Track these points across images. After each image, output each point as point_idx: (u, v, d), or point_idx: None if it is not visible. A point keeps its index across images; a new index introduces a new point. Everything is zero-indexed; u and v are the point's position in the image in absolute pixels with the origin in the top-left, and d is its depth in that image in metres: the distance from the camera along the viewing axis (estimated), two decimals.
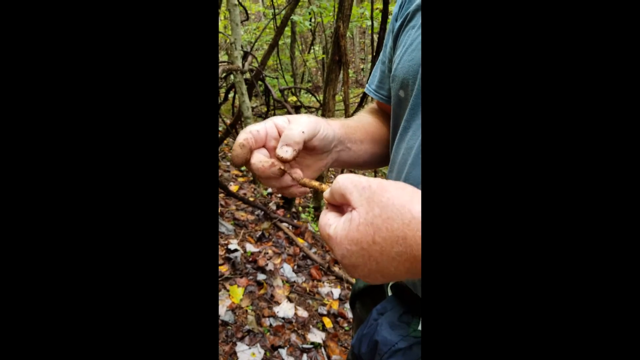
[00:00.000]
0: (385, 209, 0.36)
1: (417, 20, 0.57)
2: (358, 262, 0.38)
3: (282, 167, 0.48)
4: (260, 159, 0.48)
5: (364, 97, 2.99)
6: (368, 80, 0.75)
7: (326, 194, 0.41)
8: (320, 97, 3.51)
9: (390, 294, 0.68)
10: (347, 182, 0.38)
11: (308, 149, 0.52)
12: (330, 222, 0.39)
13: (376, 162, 0.69)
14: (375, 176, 3.85)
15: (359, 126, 0.64)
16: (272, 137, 0.50)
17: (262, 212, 2.60)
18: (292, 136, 0.47)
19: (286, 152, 0.47)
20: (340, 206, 0.41)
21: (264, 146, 0.50)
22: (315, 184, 0.49)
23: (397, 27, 0.62)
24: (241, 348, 1.61)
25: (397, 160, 0.57)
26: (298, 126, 0.48)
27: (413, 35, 0.56)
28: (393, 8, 0.66)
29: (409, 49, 0.56)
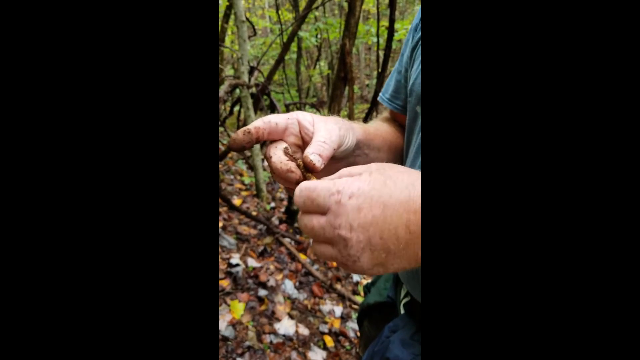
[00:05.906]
0: (392, 168, 0.40)
1: None
2: (364, 205, 0.37)
3: (302, 175, 0.46)
4: (281, 159, 0.46)
5: (369, 114, 3.01)
6: (375, 91, 0.76)
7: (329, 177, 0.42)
8: (325, 113, 3.52)
9: (403, 311, 0.66)
10: (354, 168, 0.41)
11: None
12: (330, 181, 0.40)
13: None
14: None
15: (378, 134, 0.63)
16: (292, 132, 0.49)
17: (265, 227, 2.58)
18: (326, 148, 0.46)
19: (318, 161, 0.45)
20: None
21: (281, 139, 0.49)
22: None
23: (416, 38, 0.61)
24: None
25: None
26: (330, 137, 0.47)
27: None
28: (414, 16, 0.64)
29: None
